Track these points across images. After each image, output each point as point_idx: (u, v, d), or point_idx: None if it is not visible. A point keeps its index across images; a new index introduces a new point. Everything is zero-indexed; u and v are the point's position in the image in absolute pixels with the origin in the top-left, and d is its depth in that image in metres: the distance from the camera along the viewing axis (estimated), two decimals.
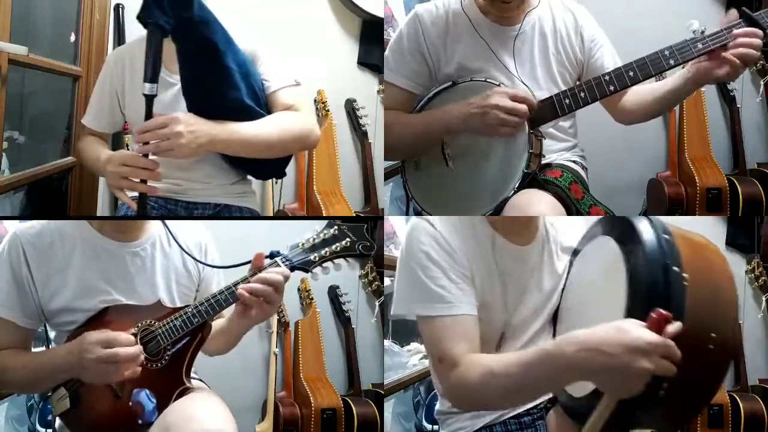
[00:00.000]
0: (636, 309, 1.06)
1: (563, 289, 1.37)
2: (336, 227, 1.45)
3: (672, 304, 1.02)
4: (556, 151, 1.64)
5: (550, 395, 1.34)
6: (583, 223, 1.40)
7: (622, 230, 1.17)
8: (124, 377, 1.30)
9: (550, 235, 1.38)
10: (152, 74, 1.38)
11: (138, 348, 1.31)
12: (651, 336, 0.97)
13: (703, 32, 1.45)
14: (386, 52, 1.66)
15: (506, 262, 1.32)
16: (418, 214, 1.77)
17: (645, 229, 1.11)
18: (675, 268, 1.05)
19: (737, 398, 2.42)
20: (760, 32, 1.42)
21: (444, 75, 1.63)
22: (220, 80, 1.51)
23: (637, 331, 0.97)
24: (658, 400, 1.02)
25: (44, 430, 2.21)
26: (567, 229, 1.40)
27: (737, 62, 1.42)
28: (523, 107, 1.46)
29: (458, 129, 1.53)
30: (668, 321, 0.98)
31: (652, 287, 1.05)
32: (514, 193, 1.48)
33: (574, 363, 1.01)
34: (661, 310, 0.98)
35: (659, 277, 1.05)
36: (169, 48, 1.43)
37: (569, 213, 1.49)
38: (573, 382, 1.14)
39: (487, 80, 1.55)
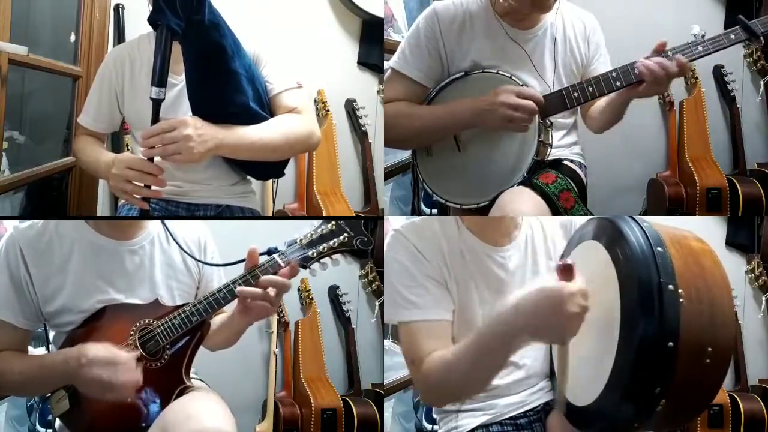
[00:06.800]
0: (627, 324, 1.04)
1: None
2: (333, 222, 1.44)
3: (666, 324, 1.00)
4: (557, 139, 1.67)
5: (549, 397, 1.37)
6: (567, 223, 1.42)
7: (611, 237, 1.13)
8: (120, 399, 1.31)
9: (535, 235, 1.40)
10: (160, 78, 1.38)
11: (138, 373, 1.32)
12: (569, 286, 1.01)
13: (703, 36, 1.53)
14: (402, 45, 1.71)
15: (484, 264, 1.35)
16: (418, 213, 1.77)
17: (636, 240, 1.07)
18: (669, 287, 1.02)
19: (737, 398, 2.41)
20: (667, 62, 1.49)
21: (457, 70, 1.67)
22: (227, 85, 1.51)
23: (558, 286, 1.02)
24: (656, 414, 1.03)
25: (44, 430, 2.21)
26: (555, 229, 1.42)
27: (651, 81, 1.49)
28: (530, 103, 1.51)
29: (469, 124, 1.59)
30: (571, 268, 1.03)
31: (644, 307, 1.03)
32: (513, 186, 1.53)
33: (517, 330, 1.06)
34: (560, 262, 1.03)
35: (652, 296, 1.02)
36: (172, 49, 1.42)
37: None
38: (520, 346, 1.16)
39: (499, 72, 1.61)
